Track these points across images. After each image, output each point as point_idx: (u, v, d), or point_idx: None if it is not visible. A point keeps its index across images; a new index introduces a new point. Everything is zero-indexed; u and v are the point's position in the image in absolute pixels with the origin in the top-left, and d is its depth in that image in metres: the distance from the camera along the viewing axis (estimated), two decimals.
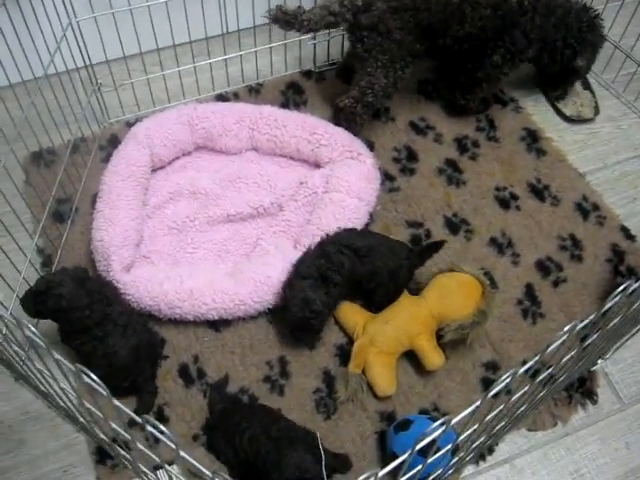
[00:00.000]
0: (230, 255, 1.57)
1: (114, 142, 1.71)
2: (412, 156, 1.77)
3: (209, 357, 1.45)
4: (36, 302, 1.27)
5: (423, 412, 1.40)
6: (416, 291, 1.49)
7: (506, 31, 1.63)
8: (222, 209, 1.61)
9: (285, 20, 1.56)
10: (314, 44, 1.87)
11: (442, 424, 0.76)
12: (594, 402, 1.44)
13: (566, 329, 0.80)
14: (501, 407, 0.93)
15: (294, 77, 1.92)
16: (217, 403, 1.38)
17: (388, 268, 1.42)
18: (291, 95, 1.87)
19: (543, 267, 1.61)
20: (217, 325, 1.48)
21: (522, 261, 1.62)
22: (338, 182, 1.59)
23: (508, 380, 0.78)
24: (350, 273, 1.40)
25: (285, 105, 1.84)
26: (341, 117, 1.73)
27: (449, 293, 1.42)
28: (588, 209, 1.70)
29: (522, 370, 0.81)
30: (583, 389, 1.45)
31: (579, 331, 0.87)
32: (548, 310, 1.54)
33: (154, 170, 1.67)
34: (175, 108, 1.69)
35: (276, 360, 1.45)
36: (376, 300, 1.45)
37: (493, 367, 1.47)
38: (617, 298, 0.83)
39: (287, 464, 1.16)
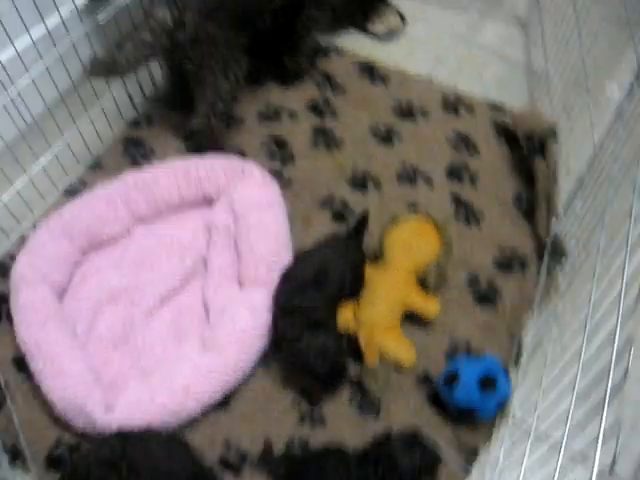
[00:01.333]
0: (190, 332, 1.46)
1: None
2: (282, 144, 1.74)
3: (238, 436, 1.36)
4: None
5: (449, 355, 1.44)
6: (376, 258, 1.48)
7: None
8: (150, 295, 1.49)
9: (105, 69, 1.44)
10: (126, 90, 1.75)
11: None
12: None
13: None
14: None
15: (124, 132, 1.78)
16: (278, 472, 1.31)
17: (347, 270, 1.39)
18: (134, 151, 1.74)
19: (454, 173, 1.68)
20: (224, 402, 1.39)
21: (435, 179, 1.67)
22: (242, 206, 1.53)
23: None
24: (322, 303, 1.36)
25: (135, 163, 1.71)
26: (200, 140, 1.64)
27: (410, 245, 1.44)
28: (455, 104, 1.78)
29: None
30: None
31: None
32: (484, 207, 1.63)
33: (59, 297, 1.50)
34: (41, 227, 1.50)
35: (299, 396, 1.40)
36: (352, 294, 1.43)
37: (475, 280, 1.53)
38: None
39: None
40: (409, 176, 1.67)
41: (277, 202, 1.55)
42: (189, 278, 1.52)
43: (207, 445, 1.34)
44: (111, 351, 1.44)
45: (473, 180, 1.66)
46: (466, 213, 1.61)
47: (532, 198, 1.62)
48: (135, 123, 1.79)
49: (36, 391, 1.36)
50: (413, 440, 1.20)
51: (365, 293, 1.42)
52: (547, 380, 1.23)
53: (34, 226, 1.58)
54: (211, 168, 1.59)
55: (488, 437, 1.34)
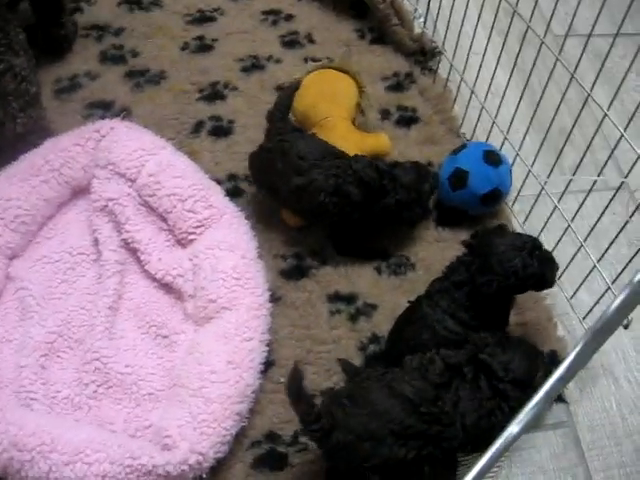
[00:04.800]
0: (169, 321, 1.16)
1: None
2: (104, 104, 1.44)
3: None
4: None
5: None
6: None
7: None
8: (93, 320, 1.13)
9: None
10: None
11: None
12: None
13: None
14: None
15: None
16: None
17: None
18: None
19: (290, 44, 1.59)
20: None
21: (281, 58, 1.56)
22: (129, 163, 1.22)
23: None
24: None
25: None
26: (25, 137, 1.29)
27: (333, 93, 1.33)
28: None
29: None
30: None
31: None
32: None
33: None
34: None
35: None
36: None
37: (385, 112, 1.46)
38: None
39: None
40: (255, 65, 1.53)
41: (160, 141, 1.28)
42: (120, 274, 1.18)
43: None
44: (106, 402, 1.08)
45: (311, 40, 1.58)
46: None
47: (372, 26, 1.61)
48: None
49: None
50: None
51: None
52: None
53: None
54: (63, 151, 1.25)
55: None
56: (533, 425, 0.93)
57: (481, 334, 1.00)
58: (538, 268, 1.04)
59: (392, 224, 1.24)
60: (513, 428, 0.67)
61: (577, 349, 0.65)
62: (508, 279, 1.02)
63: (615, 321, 0.65)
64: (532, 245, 1.05)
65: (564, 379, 0.65)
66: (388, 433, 0.89)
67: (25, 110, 1.28)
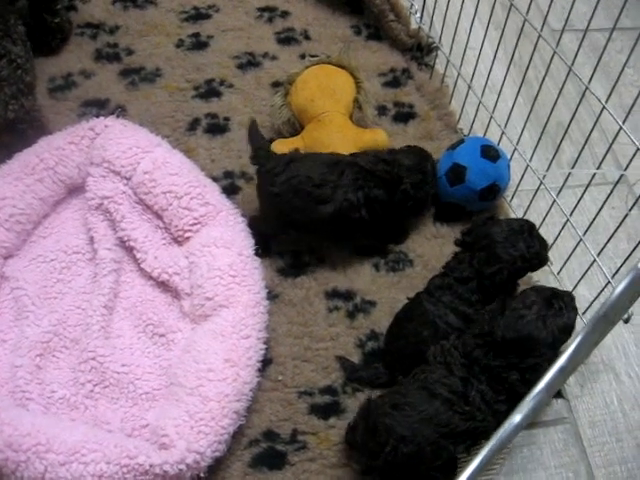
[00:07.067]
0: (165, 319, 1.14)
1: None
2: (97, 102, 1.42)
3: None
4: None
5: None
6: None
7: None
8: (89, 320, 1.12)
9: None
10: None
11: None
12: None
13: None
14: None
15: None
16: None
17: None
18: None
19: (287, 41, 1.56)
20: None
21: (277, 55, 1.54)
22: (124, 161, 1.21)
23: None
24: None
25: None
26: (21, 130, 1.27)
27: (331, 88, 1.31)
28: None
29: None
30: None
31: None
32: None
33: None
34: None
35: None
36: None
37: (382, 108, 1.45)
38: None
39: None
40: (250, 62, 1.51)
41: (155, 138, 1.27)
42: (116, 272, 1.17)
43: None
44: (102, 402, 1.07)
45: (307, 36, 1.57)
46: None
47: (369, 22, 1.59)
48: None
49: None
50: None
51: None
52: None
53: None
54: (57, 149, 1.24)
55: None
56: (533, 419, 0.93)
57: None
58: (540, 247, 1.08)
59: (408, 210, 1.22)
60: (515, 417, 0.66)
61: (578, 339, 0.64)
62: (516, 263, 1.05)
63: (618, 308, 0.65)
64: (529, 226, 1.09)
65: (565, 370, 0.64)
66: (440, 436, 0.91)
67: (17, 97, 1.25)
